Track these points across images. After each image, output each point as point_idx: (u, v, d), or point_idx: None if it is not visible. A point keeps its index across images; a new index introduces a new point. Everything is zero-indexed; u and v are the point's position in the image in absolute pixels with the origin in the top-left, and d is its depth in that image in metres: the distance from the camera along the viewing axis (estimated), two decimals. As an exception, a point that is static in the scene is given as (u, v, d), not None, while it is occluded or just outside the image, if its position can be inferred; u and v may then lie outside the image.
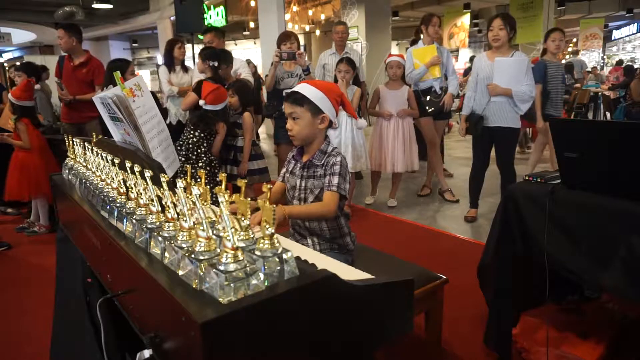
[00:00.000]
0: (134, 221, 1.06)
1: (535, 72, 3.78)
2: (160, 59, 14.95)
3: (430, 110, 4.18)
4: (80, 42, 4.28)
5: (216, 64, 3.50)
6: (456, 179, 5.30)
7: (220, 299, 0.74)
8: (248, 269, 0.78)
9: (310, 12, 11.76)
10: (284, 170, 1.94)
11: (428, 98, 4.20)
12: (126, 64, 3.69)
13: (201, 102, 3.23)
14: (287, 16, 10.20)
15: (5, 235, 3.71)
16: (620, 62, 14.42)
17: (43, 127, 4.20)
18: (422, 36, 4.33)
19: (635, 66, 10.66)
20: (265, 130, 9.46)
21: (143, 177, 1.06)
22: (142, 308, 0.98)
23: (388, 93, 4.00)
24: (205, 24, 8.52)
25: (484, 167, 3.70)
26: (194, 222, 0.90)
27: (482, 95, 3.50)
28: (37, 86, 5.11)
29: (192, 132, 3.27)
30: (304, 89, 1.76)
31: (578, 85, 9.59)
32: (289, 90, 3.83)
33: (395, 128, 3.99)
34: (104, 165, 1.36)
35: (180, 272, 0.85)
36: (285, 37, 3.89)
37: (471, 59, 12.11)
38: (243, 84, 3.75)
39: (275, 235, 0.83)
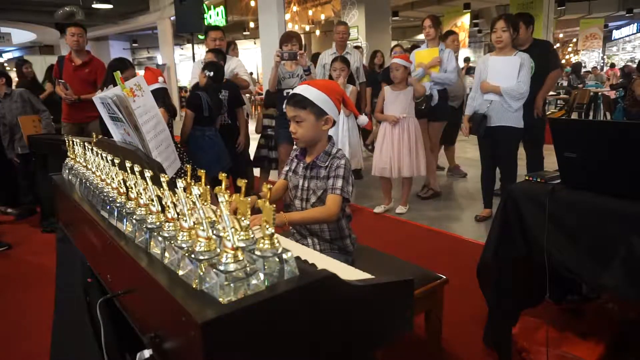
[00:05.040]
0: (134, 221, 1.06)
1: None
2: (160, 59, 14.94)
3: (420, 108, 4.15)
4: (86, 42, 4.39)
5: (212, 74, 3.54)
6: (454, 179, 5.30)
7: (220, 299, 0.74)
8: (248, 269, 0.78)
9: (310, 12, 11.77)
10: (286, 168, 1.93)
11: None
12: (124, 65, 3.64)
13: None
14: (287, 16, 10.20)
15: (5, 235, 3.71)
16: (612, 64, 14.54)
17: None
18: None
19: (634, 66, 10.66)
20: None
21: (143, 177, 1.06)
22: (142, 308, 0.98)
23: (392, 94, 3.87)
24: (205, 24, 8.52)
25: (492, 167, 3.70)
26: (194, 222, 0.90)
27: (484, 95, 3.52)
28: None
29: None
30: (306, 90, 1.73)
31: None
32: (290, 90, 3.88)
33: (400, 131, 3.83)
34: (104, 165, 1.36)
35: (180, 272, 0.85)
36: (288, 37, 3.89)
37: (465, 60, 12.10)
38: (232, 84, 3.94)
39: (275, 235, 0.83)
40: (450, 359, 2.00)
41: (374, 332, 0.99)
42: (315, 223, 1.80)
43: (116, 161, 1.26)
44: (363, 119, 3.67)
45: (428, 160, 4.40)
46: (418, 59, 4.24)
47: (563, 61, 19.77)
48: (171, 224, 0.97)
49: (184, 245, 0.89)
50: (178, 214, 0.95)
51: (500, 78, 3.40)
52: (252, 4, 10.09)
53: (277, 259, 0.81)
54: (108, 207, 1.21)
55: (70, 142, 1.83)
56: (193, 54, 7.75)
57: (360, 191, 4.80)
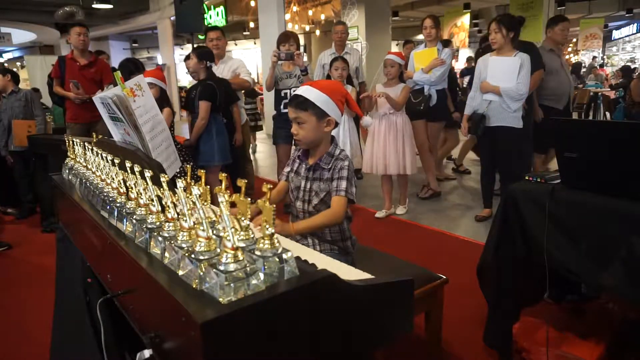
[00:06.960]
0: (134, 221, 1.06)
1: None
2: (160, 59, 14.94)
3: (418, 109, 4.14)
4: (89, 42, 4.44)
5: (210, 64, 3.51)
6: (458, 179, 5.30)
7: (220, 299, 0.74)
8: (248, 269, 0.78)
9: (310, 12, 11.75)
10: (287, 169, 1.92)
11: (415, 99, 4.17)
12: (135, 67, 3.62)
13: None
14: (287, 16, 10.20)
15: (5, 235, 3.71)
16: (602, 65, 14.80)
17: None
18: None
19: (634, 66, 10.70)
20: (264, 130, 9.43)
21: (143, 177, 1.06)
22: (142, 308, 0.98)
23: (382, 91, 3.82)
24: (205, 24, 8.52)
25: (492, 167, 3.70)
26: (194, 222, 0.90)
27: (484, 95, 3.53)
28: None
29: None
30: (308, 92, 1.71)
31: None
32: (287, 91, 3.88)
33: (386, 129, 3.78)
34: (104, 165, 1.36)
35: (180, 272, 0.85)
36: (285, 37, 3.89)
37: (468, 59, 12.14)
38: (224, 81, 3.86)
39: (275, 235, 0.83)
40: (450, 359, 2.00)
41: (374, 332, 0.99)
42: (323, 228, 1.79)
43: (116, 161, 1.26)
44: (367, 120, 3.65)
45: (426, 160, 4.39)
46: (417, 59, 4.24)
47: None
48: (171, 224, 0.97)
49: (184, 245, 0.89)
50: (178, 214, 0.95)
51: (499, 78, 3.41)
52: (252, 4, 10.08)
53: (277, 259, 0.81)
54: (108, 207, 1.21)
55: (70, 142, 1.83)
56: (193, 54, 7.72)
57: (359, 191, 4.80)
